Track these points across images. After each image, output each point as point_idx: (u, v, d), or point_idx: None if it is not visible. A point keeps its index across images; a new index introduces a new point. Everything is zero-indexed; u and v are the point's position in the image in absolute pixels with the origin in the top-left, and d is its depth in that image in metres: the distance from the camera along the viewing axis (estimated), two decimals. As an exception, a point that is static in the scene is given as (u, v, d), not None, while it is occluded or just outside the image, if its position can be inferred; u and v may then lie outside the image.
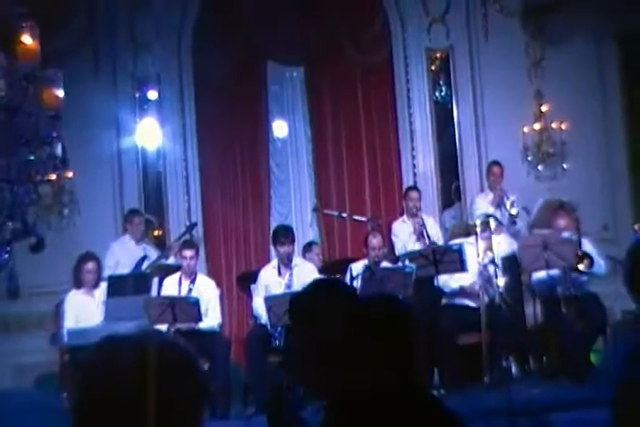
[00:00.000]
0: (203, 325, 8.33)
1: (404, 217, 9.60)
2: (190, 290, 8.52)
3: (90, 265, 8.65)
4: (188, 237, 9.79)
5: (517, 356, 8.78)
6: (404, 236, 9.39)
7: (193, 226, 10.18)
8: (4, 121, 5.00)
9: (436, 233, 9.47)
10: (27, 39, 5.11)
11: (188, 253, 8.71)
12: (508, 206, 9.28)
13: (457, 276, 8.30)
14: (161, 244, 10.22)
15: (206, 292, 8.64)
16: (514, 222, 9.34)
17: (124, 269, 9.32)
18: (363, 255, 8.87)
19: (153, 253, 9.67)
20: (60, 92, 5.36)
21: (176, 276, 8.76)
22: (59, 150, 5.39)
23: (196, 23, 10.80)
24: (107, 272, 9.08)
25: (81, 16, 10.56)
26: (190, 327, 8.22)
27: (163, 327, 8.09)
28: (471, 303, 8.34)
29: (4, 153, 5.00)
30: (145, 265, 9.39)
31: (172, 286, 8.66)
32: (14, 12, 5.15)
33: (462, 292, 8.38)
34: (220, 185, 10.86)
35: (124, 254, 9.54)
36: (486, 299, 8.32)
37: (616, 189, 10.35)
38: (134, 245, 9.68)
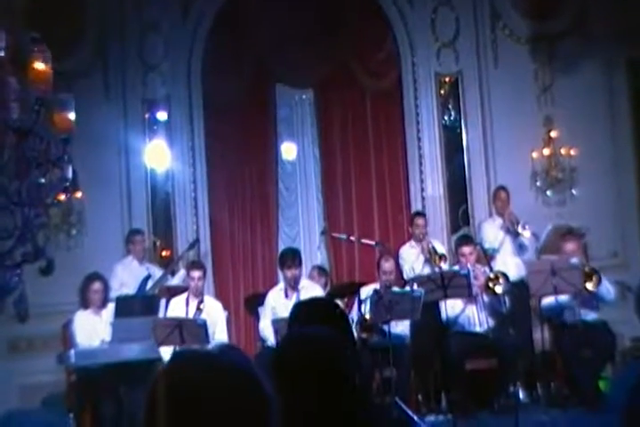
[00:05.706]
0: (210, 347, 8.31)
1: (412, 242, 9.59)
2: (198, 311, 8.50)
3: (96, 285, 8.64)
4: (192, 254, 9.81)
5: (525, 382, 8.75)
6: (411, 260, 9.38)
7: (195, 242, 10.20)
8: (16, 144, 5.01)
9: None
10: (39, 64, 5.12)
11: (196, 273, 8.72)
12: (519, 229, 9.25)
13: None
14: (168, 264, 10.19)
15: (214, 313, 8.64)
16: (523, 245, 9.32)
17: (129, 289, 9.32)
18: (371, 279, 8.86)
19: (157, 273, 9.68)
20: (72, 116, 5.36)
21: (182, 297, 8.75)
22: (69, 173, 5.39)
23: (206, 45, 10.83)
24: (112, 294, 9.05)
25: (91, 38, 10.59)
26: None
27: (170, 348, 8.09)
28: (478, 329, 8.32)
29: (16, 176, 5.01)
30: (149, 285, 9.40)
31: (179, 308, 8.66)
32: (27, 37, 5.17)
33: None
34: (229, 207, 10.85)
35: (127, 275, 9.54)
36: (493, 324, 8.32)
37: (625, 214, 10.31)
38: (137, 266, 9.67)
